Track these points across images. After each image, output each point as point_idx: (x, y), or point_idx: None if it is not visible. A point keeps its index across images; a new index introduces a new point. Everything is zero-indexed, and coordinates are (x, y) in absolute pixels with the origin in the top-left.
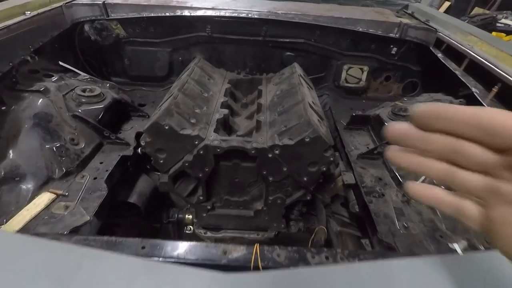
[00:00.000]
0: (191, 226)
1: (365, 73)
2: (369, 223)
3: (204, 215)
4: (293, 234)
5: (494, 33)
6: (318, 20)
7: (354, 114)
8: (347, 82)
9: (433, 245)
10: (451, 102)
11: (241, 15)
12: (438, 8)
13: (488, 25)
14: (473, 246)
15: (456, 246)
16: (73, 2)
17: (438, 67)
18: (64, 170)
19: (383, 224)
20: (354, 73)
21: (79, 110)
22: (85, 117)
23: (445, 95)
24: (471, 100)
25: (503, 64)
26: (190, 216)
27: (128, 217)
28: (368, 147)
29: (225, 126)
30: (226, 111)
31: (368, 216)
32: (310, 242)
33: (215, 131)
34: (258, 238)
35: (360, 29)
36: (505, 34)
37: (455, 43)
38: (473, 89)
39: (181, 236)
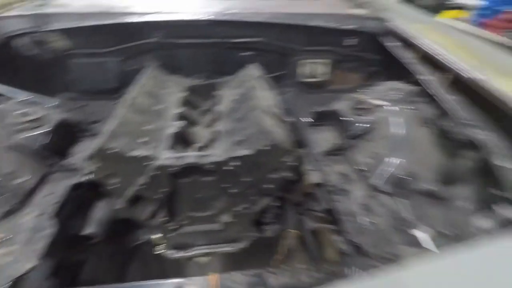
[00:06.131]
0: (161, 245)
1: (325, 67)
2: (338, 222)
3: (172, 235)
4: (271, 238)
5: (448, 12)
6: (274, 18)
7: (313, 111)
8: (308, 77)
9: (402, 238)
10: (411, 91)
11: (193, 18)
12: None
13: (441, 6)
14: (440, 233)
15: (421, 235)
16: (4, 14)
17: (392, 56)
18: (4, 210)
19: (351, 222)
20: (315, 68)
21: (18, 139)
22: (25, 147)
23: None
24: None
25: (451, 54)
26: (159, 236)
27: (92, 248)
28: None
29: (183, 139)
30: (181, 123)
31: (336, 215)
32: (277, 249)
33: (170, 147)
34: (233, 250)
35: (314, 24)
36: (458, 11)
37: (405, 32)
38: (422, 77)
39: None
